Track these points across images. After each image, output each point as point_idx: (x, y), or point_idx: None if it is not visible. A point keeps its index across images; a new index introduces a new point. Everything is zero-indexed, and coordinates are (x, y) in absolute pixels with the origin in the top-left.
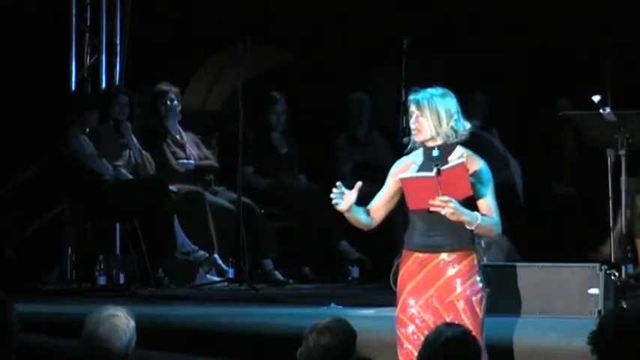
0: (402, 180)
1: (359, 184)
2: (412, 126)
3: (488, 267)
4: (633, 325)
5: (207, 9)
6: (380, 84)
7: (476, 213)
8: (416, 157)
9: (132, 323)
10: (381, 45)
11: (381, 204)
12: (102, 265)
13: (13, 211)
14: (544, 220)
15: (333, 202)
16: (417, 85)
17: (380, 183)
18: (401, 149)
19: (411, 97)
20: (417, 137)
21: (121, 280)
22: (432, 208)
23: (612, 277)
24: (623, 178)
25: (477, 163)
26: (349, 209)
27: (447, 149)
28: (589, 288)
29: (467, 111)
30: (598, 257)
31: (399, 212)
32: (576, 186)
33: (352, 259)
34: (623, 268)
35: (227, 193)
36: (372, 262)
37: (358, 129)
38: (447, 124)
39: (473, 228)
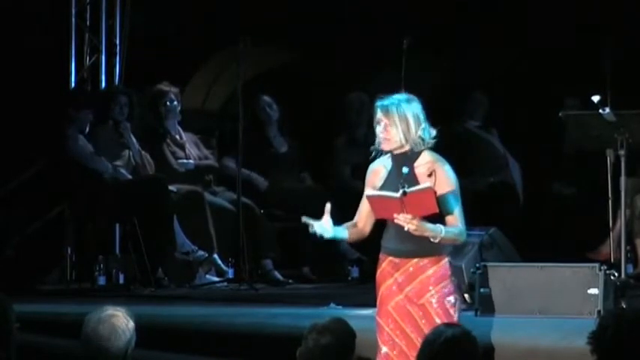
0: (369, 197)
1: (328, 207)
2: (380, 135)
3: (488, 267)
4: (633, 325)
5: (208, 9)
6: (380, 84)
7: (439, 226)
8: (386, 161)
9: (131, 323)
10: (381, 45)
11: (365, 216)
12: (101, 265)
13: (14, 211)
14: (544, 220)
15: (318, 234)
16: (416, 85)
17: None
18: None
19: (378, 103)
20: (385, 146)
21: (121, 280)
22: (396, 222)
23: (612, 277)
24: (622, 178)
25: (443, 171)
26: (332, 232)
27: (414, 156)
28: (589, 288)
29: (467, 111)
30: (598, 257)
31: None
32: (576, 186)
33: (352, 259)
34: (623, 268)
35: (227, 194)
36: (371, 262)
37: (358, 129)
38: (416, 131)
39: (437, 241)
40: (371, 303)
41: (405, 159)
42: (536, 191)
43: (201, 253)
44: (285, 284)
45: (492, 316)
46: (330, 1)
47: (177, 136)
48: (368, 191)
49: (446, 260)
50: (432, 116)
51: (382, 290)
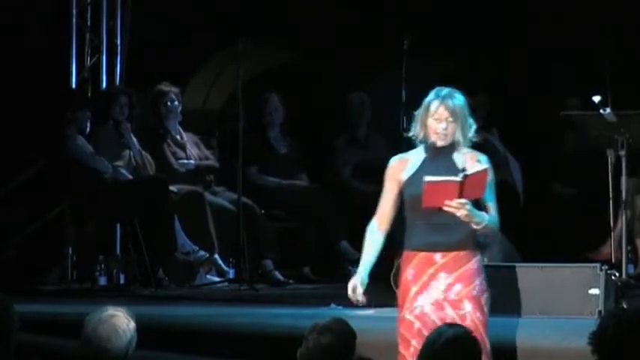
0: (427, 183)
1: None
2: (442, 131)
3: (488, 267)
4: (634, 326)
5: (207, 9)
6: (380, 84)
7: (483, 213)
8: (416, 153)
9: (132, 324)
10: (381, 45)
11: (391, 210)
12: (102, 266)
13: (13, 211)
14: (544, 220)
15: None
16: (416, 85)
17: (380, 184)
18: (401, 150)
19: (441, 99)
20: (442, 142)
21: (122, 281)
22: (446, 209)
23: (612, 278)
24: (623, 178)
25: (484, 162)
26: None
27: (452, 148)
28: (589, 288)
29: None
30: (598, 257)
31: (400, 213)
32: (576, 186)
33: (352, 259)
34: (624, 268)
35: (227, 194)
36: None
37: (358, 129)
38: (469, 132)
39: (479, 227)
40: (371, 303)
41: (443, 151)
42: (536, 191)
43: (201, 253)
44: (286, 284)
45: (493, 316)
46: (330, 2)
47: (178, 137)
48: (428, 177)
49: (479, 256)
50: None
51: (415, 289)
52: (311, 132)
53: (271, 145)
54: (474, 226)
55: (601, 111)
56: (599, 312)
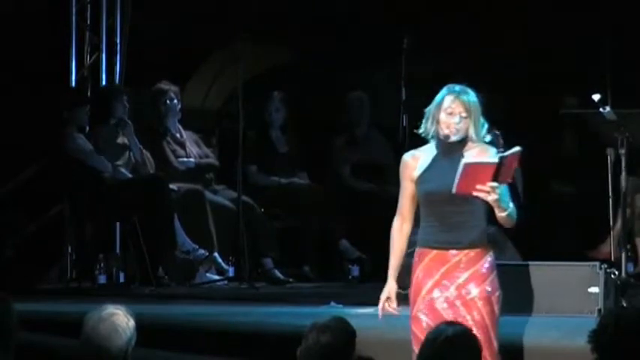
0: (465, 164)
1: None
2: (455, 126)
3: None
4: (633, 324)
5: (207, 8)
6: (380, 83)
7: (509, 201)
8: (427, 150)
9: (131, 322)
10: (381, 44)
11: (411, 207)
12: (102, 264)
13: (14, 211)
14: (544, 219)
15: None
16: (416, 85)
17: (380, 183)
18: (401, 149)
19: (455, 94)
20: (454, 136)
21: (121, 279)
22: (477, 193)
23: (612, 276)
24: (623, 177)
25: (493, 153)
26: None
27: (462, 144)
28: (589, 287)
29: None
30: (598, 256)
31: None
32: (576, 185)
33: (352, 258)
34: (623, 266)
35: (227, 192)
36: (372, 261)
37: (358, 129)
38: (482, 130)
39: (503, 214)
40: (371, 302)
41: (454, 147)
42: (536, 191)
43: (201, 251)
44: (286, 283)
45: None
46: (330, 1)
47: (178, 135)
48: (466, 160)
49: (492, 252)
50: None
51: (428, 287)
52: (311, 131)
53: (271, 143)
54: (498, 212)
55: (600, 109)
56: (599, 310)
